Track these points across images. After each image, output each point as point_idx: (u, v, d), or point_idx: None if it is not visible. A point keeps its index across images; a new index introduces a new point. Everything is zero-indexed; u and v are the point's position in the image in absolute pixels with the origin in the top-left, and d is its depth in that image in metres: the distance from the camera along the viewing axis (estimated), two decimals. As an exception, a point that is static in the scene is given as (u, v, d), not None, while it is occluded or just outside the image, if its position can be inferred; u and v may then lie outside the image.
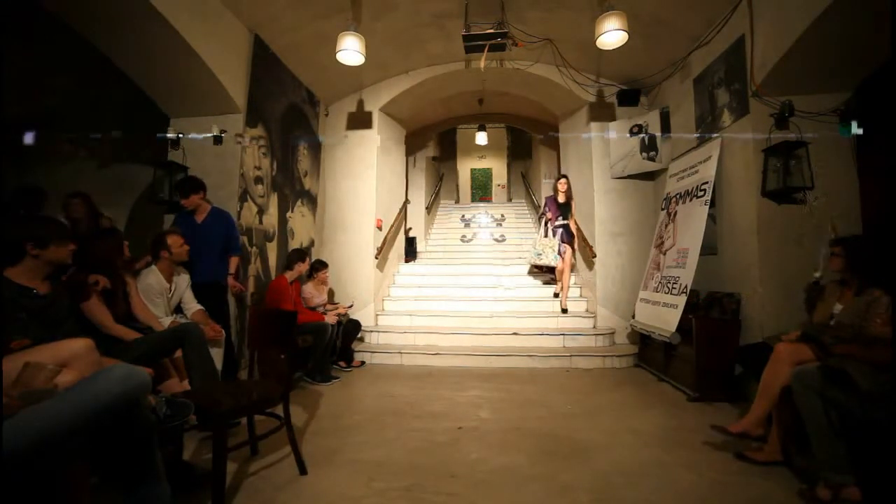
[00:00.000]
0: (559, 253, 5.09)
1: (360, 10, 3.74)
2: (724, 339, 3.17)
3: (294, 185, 4.64)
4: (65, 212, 3.02)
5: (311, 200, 5.03)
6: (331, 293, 4.97)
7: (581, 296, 5.31)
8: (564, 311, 5.03)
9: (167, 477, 1.41)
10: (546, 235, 5.21)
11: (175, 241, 2.77)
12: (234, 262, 3.36)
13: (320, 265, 4.32)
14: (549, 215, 5.25)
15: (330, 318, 3.91)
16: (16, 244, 1.69)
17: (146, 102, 3.60)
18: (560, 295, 5.18)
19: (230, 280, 3.34)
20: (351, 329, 4.30)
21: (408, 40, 4.43)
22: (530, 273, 5.90)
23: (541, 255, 5.17)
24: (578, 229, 5.24)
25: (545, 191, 8.05)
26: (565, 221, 5.20)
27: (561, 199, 5.25)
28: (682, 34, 3.85)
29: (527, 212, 10.13)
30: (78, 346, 1.56)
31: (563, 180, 5.25)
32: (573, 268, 5.34)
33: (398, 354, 4.46)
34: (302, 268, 3.97)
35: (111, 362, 1.57)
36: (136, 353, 2.12)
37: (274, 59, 4.12)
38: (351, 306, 4.64)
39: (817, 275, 2.54)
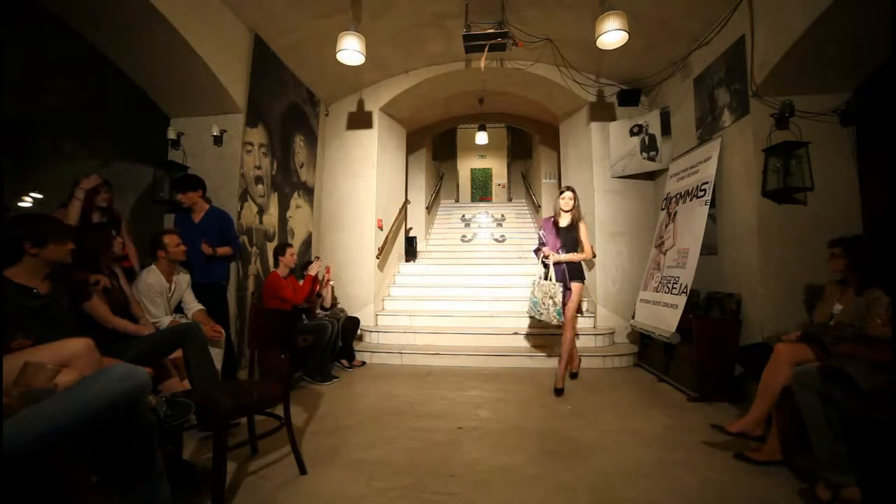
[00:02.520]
0: (563, 305, 3.47)
1: (360, 9, 3.74)
2: (724, 339, 3.17)
3: (291, 178, 4.64)
4: (88, 198, 2.77)
5: (308, 192, 5.02)
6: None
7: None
8: (560, 391, 3.34)
9: (167, 476, 1.42)
10: (548, 277, 3.56)
11: (171, 241, 2.76)
12: (225, 249, 3.28)
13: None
14: (546, 250, 3.57)
15: (314, 269, 3.94)
16: (14, 243, 1.69)
17: (146, 102, 3.60)
18: (557, 371, 3.47)
19: (203, 245, 3.12)
20: (350, 326, 4.30)
21: (408, 40, 4.43)
22: (533, 274, 5.89)
23: (539, 306, 3.54)
24: (589, 251, 3.70)
25: (545, 191, 8.03)
26: (569, 257, 3.56)
27: (563, 221, 3.64)
28: (682, 34, 3.85)
29: (527, 212, 10.13)
30: (78, 345, 1.56)
31: (567, 194, 3.65)
32: (581, 312, 3.75)
33: (398, 354, 4.46)
34: (286, 260, 3.83)
35: (111, 362, 1.57)
36: (136, 352, 2.13)
37: (274, 58, 4.12)
38: (318, 258, 4.41)
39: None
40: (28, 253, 1.71)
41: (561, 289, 3.49)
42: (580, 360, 3.96)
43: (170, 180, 3.56)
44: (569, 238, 3.62)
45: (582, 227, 3.62)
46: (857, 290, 2.12)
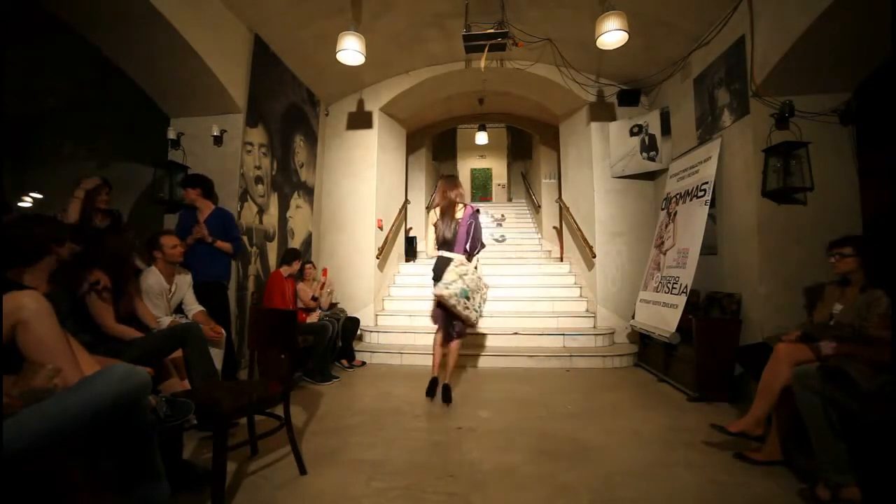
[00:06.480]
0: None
1: (360, 9, 3.74)
2: (724, 339, 3.17)
3: (291, 178, 4.64)
4: (88, 198, 2.80)
5: (308, 192, 5.02)
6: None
7: (581, 296, 5.31)
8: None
9: (167, 476, 1.41)
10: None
11: (167, 242, 2.73)
12: (225, 244, 3.26)
13: (308, 265, 4.34)
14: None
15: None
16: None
17: (146, 102, 3.60)
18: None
19: (197, 228, 3.12)
20: (350, 326, 4.31)
21: (408, 40, 4.43)
22: (532, 274, 5.89)
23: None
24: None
25: (545, 191, 8.01)
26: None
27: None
28: (682, 34, 3.85)
29: (527, 212, 10.13)
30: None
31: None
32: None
33: (398, 354, 4.46)
34: (296, 266, 4.00)
35: (111, 362, 1.57)
36: (137, 352, 2.12)
37: (274, 58, 4.12)
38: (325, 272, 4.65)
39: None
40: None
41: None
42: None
43: (170, 180, 3.56)
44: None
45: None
46: (862, 287, 2.12)
